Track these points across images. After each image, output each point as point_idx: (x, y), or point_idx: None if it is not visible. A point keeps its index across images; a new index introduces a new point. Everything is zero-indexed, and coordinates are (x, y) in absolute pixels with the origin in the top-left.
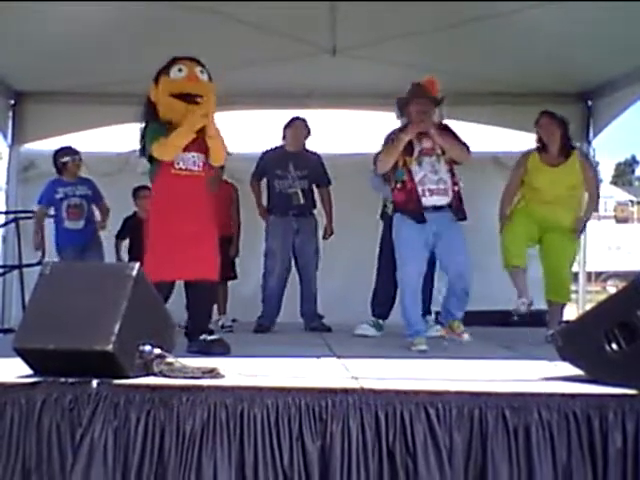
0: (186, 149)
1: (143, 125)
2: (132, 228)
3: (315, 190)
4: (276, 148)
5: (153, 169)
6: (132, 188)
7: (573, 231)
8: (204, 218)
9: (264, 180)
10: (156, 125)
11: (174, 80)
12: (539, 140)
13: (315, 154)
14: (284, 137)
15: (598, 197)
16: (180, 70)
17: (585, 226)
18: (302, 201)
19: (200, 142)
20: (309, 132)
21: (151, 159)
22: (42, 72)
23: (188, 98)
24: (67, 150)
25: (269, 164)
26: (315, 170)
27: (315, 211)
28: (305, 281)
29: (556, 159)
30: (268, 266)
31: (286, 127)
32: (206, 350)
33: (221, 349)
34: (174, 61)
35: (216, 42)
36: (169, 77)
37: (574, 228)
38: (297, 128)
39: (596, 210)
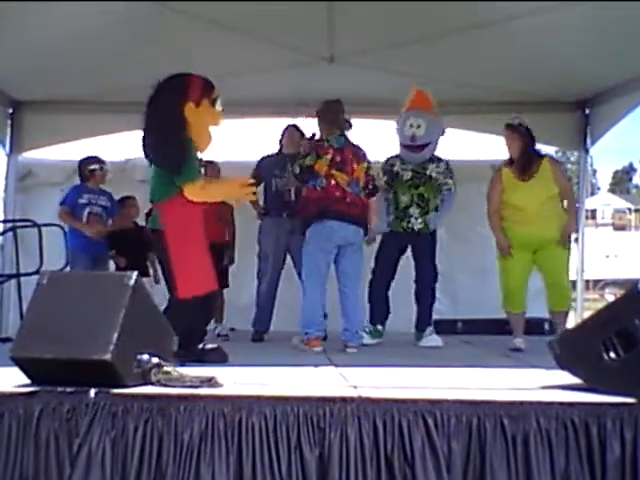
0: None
1: (179, 140)
2: (118, 238)
3: None
4: (274, 154)
5: (173, 187)
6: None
7: (561, 242)
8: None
9: (261, 185)
10: (193, 150)
11: (217, 113)
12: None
13: None
14: (281, 145)
15: (575, 204)
16: (220, 104)
17: (570, 236)
18: (293, 198)
19: None
20: (302, 135)
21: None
22: (40, 81)
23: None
24: (95, 159)
25: (268, 166)
26: None
27: None
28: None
29: (524, 172)
30: (261, 269)
31: (282, 136)
32: (202, 359)
33: (218, 358)
34: (213, 87)
35: (213, 50)
36: (215, 108)
37: (562, 240)
38: (291, 133)
39: (577, 217)
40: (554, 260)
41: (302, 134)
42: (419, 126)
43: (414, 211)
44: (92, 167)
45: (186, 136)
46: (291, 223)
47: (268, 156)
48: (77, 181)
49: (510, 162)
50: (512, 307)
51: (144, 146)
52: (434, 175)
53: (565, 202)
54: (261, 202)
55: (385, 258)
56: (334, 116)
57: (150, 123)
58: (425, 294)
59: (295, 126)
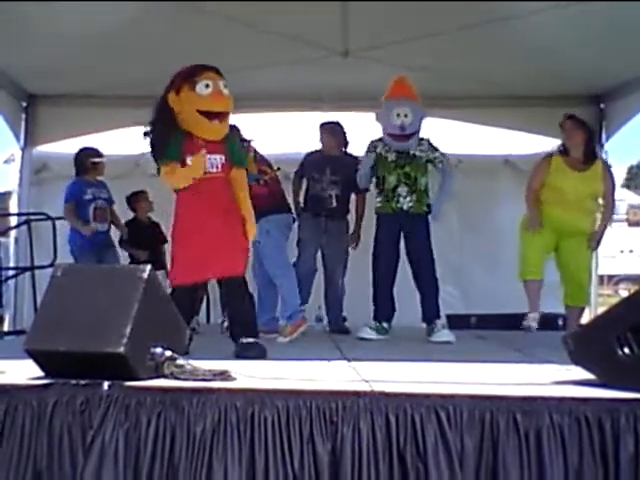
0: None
1: (160, 129)
2: (135, 232)
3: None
4: (316, 151)
5: None
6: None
7: (590, 240)
8: (228, 217)
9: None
10: (178, 138)
11: (201, 96)
12: (563, 143)
13: (355, 158)
14: (320, 140)
15: (613, 210)
16: (207, 86)
17: (602, 238)
18: (334, 204)
19: (217, 145)
20: (344, 136)
21: None
22: (55, 74)
23: (212, 116)
24: (96, 151)
25: (309, 166)
26: (351, 176)
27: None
28: (330, 283)
29: (579, 164)
30: (300, 252)
31: (321, 134)
32: (241, 354)
33: (256, 353)
34: (199, 72)
35: (228, 45)
36: (195, 91)
37: (591, 238)
38: (324, 135)
39: (610, 221)
40: (577, 252)
41: (344, 134)
42: (406, 115)
43: (402, 190)
44: (95, 160)
45: (167, 124)
46: (326, 224)
47: (311, 153)
48: None
49: (564, 152)
50: (530, 274)
51: None
52: (417, 154)
53: (603, 204)
54: (301, 198)
55: (383, 245)
56: None
57: None
58: (426, 281)
59: (338, 124)
